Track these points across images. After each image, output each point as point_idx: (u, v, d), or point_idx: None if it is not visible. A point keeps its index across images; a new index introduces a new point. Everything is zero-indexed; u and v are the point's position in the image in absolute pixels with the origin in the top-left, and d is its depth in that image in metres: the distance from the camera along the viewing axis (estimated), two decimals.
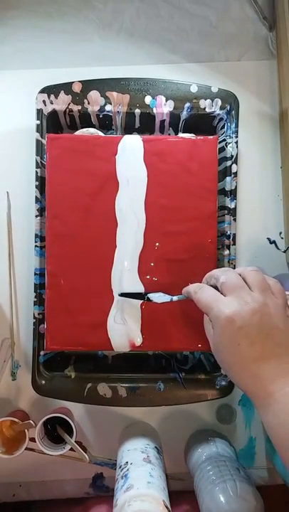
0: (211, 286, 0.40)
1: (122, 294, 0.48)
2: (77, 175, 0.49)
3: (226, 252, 0.52)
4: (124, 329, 0.49)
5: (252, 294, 0.37)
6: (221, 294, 0.38)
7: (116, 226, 0.49)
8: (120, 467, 0.48)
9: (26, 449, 0.53)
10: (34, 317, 0.52)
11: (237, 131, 0.52)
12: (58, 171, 0.49)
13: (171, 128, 0.55)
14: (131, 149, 0.50)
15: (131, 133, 0.55)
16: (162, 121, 0.54)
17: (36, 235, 0.52)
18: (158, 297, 0.46)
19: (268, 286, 0.38)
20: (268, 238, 0.58)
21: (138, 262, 0.49)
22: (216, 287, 0.40)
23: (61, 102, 0.52)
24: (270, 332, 0.36)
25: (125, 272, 0.49)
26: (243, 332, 0.35)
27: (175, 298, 0.45)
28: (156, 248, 0.49)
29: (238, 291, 0.37)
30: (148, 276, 0.49)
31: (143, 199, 0.49)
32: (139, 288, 0.49)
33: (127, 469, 0.47)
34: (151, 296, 0.46)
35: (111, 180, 0.49)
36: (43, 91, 0.52)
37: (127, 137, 0.50)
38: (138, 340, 0.49)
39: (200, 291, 0.40)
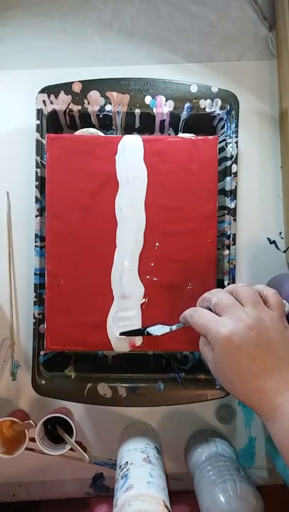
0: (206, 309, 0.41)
1: (122, 333, 0.48)
2: (77, 175, 0.49)
3: (226, 252, 0.52)
4: (124, 329, 0.49)
5: (245, 310, 0.37)
6: (216, 314, 0.39)
7: (116, 226, 0.49)
8: (120, 467, 0.48)
9: (26, 449, 0.53)
10: (34, 317, 0.52)
11: (237, 131, 0.52)
12: (58, 171, 0.49)
13: (171, 128, 0.55)
14: (131, 149, 0.49)
15: (131, 133, 0.55)
16: (162, 121, 0.54)
17: (36, 235, 0.52)
18: (157, 330, 0.46)
19: (259, 300, 0.38)
20: (268, 238, 0.58)
21: (138, 262, 0.49)
22: (210, 310, 0.40)
23: (61, 102, 0.52)
24: (268, 345, 0.36)
25: (125, 272, 0.49)
26: (242, 350, 0.36)
27: (174, 327, 0.45)
28: (156, 248, 0.49)
29: (231, 309, 0.38)
30: (148, 277, 0.49)
31: (143, 199, 0.49)
32: (139, 288, 0.49)
33: (127, 469, 0.47)
34: (150, 329, 0.47)
35: (111, 180, 0.49)
36: (43, 91, 0.52)
37: (127, 137, 0.50)
38: (138, 341, 0.49)
39: (195, 314, 0.40)
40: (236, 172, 0.53)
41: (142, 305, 0.49)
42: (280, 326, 0.37)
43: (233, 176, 0.53)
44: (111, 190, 0.49)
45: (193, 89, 0.52)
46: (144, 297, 0.49)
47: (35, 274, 0.52)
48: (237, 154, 0.52)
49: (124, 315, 0.49)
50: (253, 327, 0.36)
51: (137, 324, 0.49)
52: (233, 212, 0.53)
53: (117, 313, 0.49)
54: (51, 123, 0.53)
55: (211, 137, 0.50)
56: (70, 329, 0.49)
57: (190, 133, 0.53)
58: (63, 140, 0.50)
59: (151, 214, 0.49)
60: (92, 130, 0.53)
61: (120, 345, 0.49)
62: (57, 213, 0.49)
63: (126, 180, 0.49)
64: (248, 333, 0.36)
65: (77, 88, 0.52)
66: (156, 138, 0.51)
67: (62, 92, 0.52)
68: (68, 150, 0.49)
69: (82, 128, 0.54)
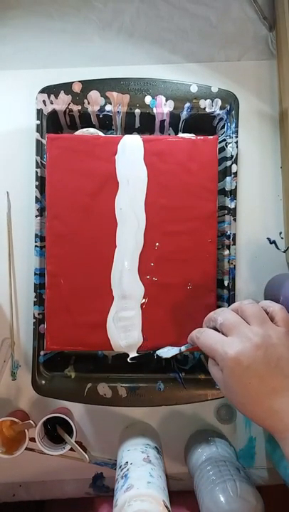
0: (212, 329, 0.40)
1: (132, 359, 0.49)
2: (77, 175, 0.49)
3: (226, 252, 0.52)
4: (122, 331, 0.49)
5: (252, 329, 0.36)
6: (223, 334, 0.38)
7: (116, 226, 0.49)
8: (120, 467, 0.48)
9: (26, 449, 0.53)
10: (34, 317, 0.52)
11: (237, 131, 0.52)
12: (58, 171, 0.49)
13: (171, 128, 0.55)
14: (131, 149, 0.49)
15: (131, 133, 0.55)
16: (162, 121, 0.54)
17: (36, 235, 0.52)
18: (166, 352, 0.46)
19: (265, 317, 0.38)
20: (268, 238, 0.58)
21: (138, 262, 0.49)
22: (217, 329, 0.39)
23: (61, 102, 0.52)
24: (278, 364, 0.35)
25: (125, 272, 0.49)
26: (251, 370, 0.35)
27: (183, 348, 0.44)
28: (156, 248, 0.49)
29: (238, 328, 0.37)
30: (148, 277, 0.49)
31: (143, 199, 0.49)
32: (139, 288, 0.49)
33: (127, 469, 0.47)
34: (159, 352, 0.47)
35: (111, 180, 0.49)
36: (43, 91, 0.52)
37: (127, 137, 0.50)
38: (138, 343, 0.49)
39: (202, 336, 0.39)
40: (236, 172, 0.53)
41: (142, 305, 0.49)
42: (288, 342, 0.37)
43: (233, 176, 0.53)
44: (111, 190, 0.49)
45: (193, 89, 0.52)
46: (144, 297, 0.49)
47: (35, 274, 0.52)
48: (237, 154, 0.52)
49: (124, 315, 0.49)
50: (261, 346, 0.35)
51: (137, 324, 0.49)
52: (233, 212, 0.53)
53: (117, 313, 0.49)
54: (51, 123, 0.53)
55: (211, 137, 0.50)
56: (70, 329, 0.49)
57: (190, 133, 0.53)
58: (63, 140, 0.50)
59: (151, 214, 0.49)
60: (92, 130, 0.53)
61: (120, 345, 0.49)
62: (57, 213, 0.49)
63: (126, 180, 0.49)
64: (255, 352, 0.35)
65: (77, 88, 0.52)
66: (156, 138, 0.51)
67: (62, 92, 0.52)
68: (68, 150, 0.49)
69: (82, 128, 0.54)
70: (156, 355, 0.47)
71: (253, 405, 0.36)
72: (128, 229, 0.49)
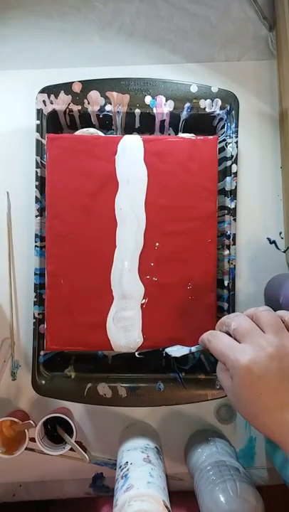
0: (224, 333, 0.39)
1: (140, 354, 0.49)
2: (77, 175, 0.49)
3: (226, 252, 0.52)
4: (122, 331, 0.49)
5: (266, 337, 0.35)
6: (236, 340, 0.36)
7: (116, 226, 0.49)
8: (120, 467, 0.48)
9: (26, 449, 0.53)
10: (34, 317, 0.52)
11: (237, 131, 0.52)
12: (58, 171, 0.49)
13: (171, 128, 0.55)
14: (131, 149, 0.49)
15: (131, 133, 0.55)
16: (162, 121, 0.54)
17: (36, 235, 0.52)
18: (176, 351, 0.45)
19: (282, 326, 0.36)
20: (268, 238, 0.58)
21: (138, 262, 0.49)
22: (229, 333, 0.38)
23: (61, 102, 0.52)
24: None
25: (125, 272, 0.49)
26: (263, 381, 0.34)
27: (193, 349, 0.43)
28: (156, 248, 0.49)
29: (252, 335, 0.35)
30: (148, 277, 0.49)
31: (143, 199, 0.49)
32: (139, 288, 0.49)
33: (127, 469, 0.47)
34: (168, 350, 0.45)
35: (111, 180, 0.49)
36: (43, 91, 0.52)
37: (127, 137, 0.50)
38: (138, 341, 0.49)
39: (213, 339, 0.38)
40: (236, 172, 0.53)
41: (142, 305, 0.49)
42: None
43: (233, 176, 0.53)
44: (111, 190, 0.49)
45: (193, 89, 0.52)
46: (144, 297, 0.49)
47: (35, 274, 0.52)
48: (237, 154, 0.52)
49: (124, 315, 0.49)
50: (275, 356, 0.34)
51: (137, 324, 0.49)
52: (233, 212, 0.53)
53: (117, 313, 0.49)
54: (51, 123, 0.53)
55: (211, 137, 0.50)
56: (70, 329, 0.49)
57: (190, 133, 0.53)
58: (63, 140, 0.50)
59: (151, 214, 0.49)
60: (92, 130, 0.53)
61: (120, 345, 0.49)
62: (57, 213, 0.49)
63: (126, 180, 0.49)
64: (269, 362, 0.34)
65: (77, 88, 0.52)
66: (156, 138, 0.51)
67: (62, 92, 0.52)
68: (68, 150, 0.49)
69: (82, 128, 0.54)
70: (166, 352, 0.45)
71: (263, 417, 0.34)
72: (128, 229, 0.49)
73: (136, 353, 0.50)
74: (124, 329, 0.49)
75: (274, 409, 0.34)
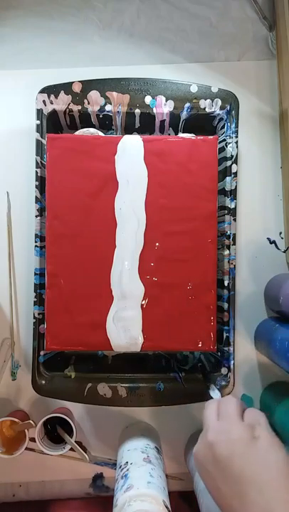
0: None
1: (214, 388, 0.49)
2: (77, 175, 0.49)
3: (226, 252, 0.52)
4: (122, 331, 0.49)
5: (213, 424, 0.37)
6: None
7: (116, 226, 0.49)
8: (120, 467, 0.48)
9: (26, 449, 0.53)
10: (34, 317, 0.52)
11: (237, 131, 0.52)
12: (58, 171, 0.49)
13: (171, 128, 0.55)
14: (131, 149, 0.49)
15: (131, 133, 0.55)
16: (162, 121, 0.54)
17: (36, 235, 0.52)
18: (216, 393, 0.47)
19: (234, 412, 0.37)
20: (268, 238, 0.58)
21: (138, 262, 0.49)
22: None
23: (61, 102, 0.52)
24: (227, 464, 0.33)
25: (125, 272, 0.49)
26: (203, 470, 0.35)
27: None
28: (156, 248, 0.49)
29: (205, 424, 0.38)
30: (148, 277, 0.49)
31: (143, 199, 0.49)
32: (139, 288, 0.49)
33: (127, 469, 0.47)
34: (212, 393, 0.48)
35: (111, 180, 0.49)
36: (43, 91, 0.52)
37: (126, 137, 0.50)
38: (138, 341, 0.49)
39: (205, 410, 0.40)
40: (236, 172, 0.52)
41: (142, 305, 0.49)
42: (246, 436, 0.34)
43: (233, 176, 0.53)
44: (111, 190, 0.49)
45: (193, 89, 0.52)
46: (144, 297, 0.49)
47: (35, 274, 0.52)
48: (237, 154, 0.52)
49: (124, 315, 0.49)
50: (211, 442, 0.35)
51: (137, 324, 0.49)
52: (233, 212, 0.53)
53: (117, 313, 0.49)
54: (51, 123, 0.53)
55: (211, 137, 0.50)
56: (70, 329, 0.49)
57: (190, 133, 0.53)
58: (63, 140, 0.50)
59: (152, 214, 0.49)
60: (92, 130, 0.53)
61: (120, 345, 0.49)
62: (57, 213, 0.49)
63: (126, 180, 0.49)
64: (205, 450, 0.35)
65: (77, 88, 0.52)
66: (156, 138, 0.51)
67: (62, 92, 0.52)
68: (68, 150, 0.49)
69: (82, 128, 0.54)
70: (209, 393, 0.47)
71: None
72: (128, 229, 0.49)
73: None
74: (124, 329, 0.49)
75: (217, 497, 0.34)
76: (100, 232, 0.49)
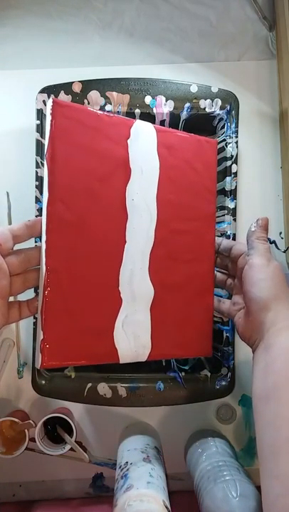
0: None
1: None
2: (86, 153, 0.42)
3: None
4: (132, 338, 0.44)
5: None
6: None
7: (126, 218, 0.43)
8: (120, 467, 0.48)
9: (26, 449, 0.53)
10: (34, 317, 0.52)
11: (237, 131, 0.52)
12: (63, 145, 0.41)
13: (171, 128, 0.55)
14: (144, 136, 0.45)
15: None
16: (162, 122, 0.54)
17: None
18: None
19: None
20: (268, 238, 0.58)
21: (148, 261, 0.45)
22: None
23: None
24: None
25: (137, 272, 0.44)
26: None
27: None
28: (165, 246, 0.46)
29: None
30: (158, 276, 0.46)
31: (155, 192, 0.45)
32: (149, 289, 0.45)
33: (127, 469, 0.47)
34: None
35: (123, 166, 0.43)
36: (43, 91, 0.52)
37: (139, 122, 0.45)
38: (145, 349, 0.45)
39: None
40: (236, 172, 0.53)
41: (150, 308, 0.45)
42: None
43: (233, 176, 0.53)
44: (123, 177, 0.43)
45: (193, 89, 0.52)
46: (153, 299, 0.45)
47: None
48: (237, 154, 0.52)
49: (135, 319, 0.44)
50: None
51: (146, 330, 0.45)
52: (233, 212, 0.53)
53: (128, 317, 0.44)
54: None
55: (212, 140, 0.50)
56: (72, 338, 0.41)
57: (190, 133, 0.53)
58: (72, 109, 0.41)
59: (162, 209, 0.45)
60: None
61: (127, 356, 0.44)
62: (60, 195, 0.40)
63: (140, 169, 0.44)
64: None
65: (77, 88, 0.52)
66: (167, 129, 0.47)
67: (62, 92, 0.52)
68: (77, 122, 0.41)
69: None
70: None
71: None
72: (140, 223, 0.44)
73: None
74: (134, 336, 0.44)
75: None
76: (108, 223, 0.43)
